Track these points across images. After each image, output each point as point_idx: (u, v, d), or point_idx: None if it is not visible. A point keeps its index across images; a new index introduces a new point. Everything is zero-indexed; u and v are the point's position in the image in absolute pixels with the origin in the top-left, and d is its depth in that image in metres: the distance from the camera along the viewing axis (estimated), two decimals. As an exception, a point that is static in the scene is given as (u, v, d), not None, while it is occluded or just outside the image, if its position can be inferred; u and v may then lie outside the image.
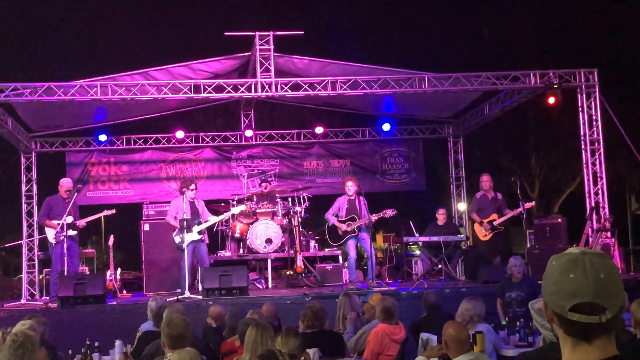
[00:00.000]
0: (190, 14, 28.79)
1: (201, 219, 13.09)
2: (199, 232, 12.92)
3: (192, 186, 13.26)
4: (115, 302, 12.67)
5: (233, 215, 14.66)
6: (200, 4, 29.63)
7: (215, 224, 14.07)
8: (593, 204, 13.99)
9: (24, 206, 16.86)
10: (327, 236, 14.02)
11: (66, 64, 23.48)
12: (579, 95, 14.33)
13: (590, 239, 13.42)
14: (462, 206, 18.79)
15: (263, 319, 7.22)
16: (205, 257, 13.23)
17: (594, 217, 13.75)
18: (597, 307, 2.02)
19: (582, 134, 14.38)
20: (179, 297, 11.78)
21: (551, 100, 13.70)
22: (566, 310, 2.04)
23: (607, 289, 2.03)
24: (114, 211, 14.10)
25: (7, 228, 23.59)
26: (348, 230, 13.54)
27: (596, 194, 14.18)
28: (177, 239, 12.84)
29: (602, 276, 2.03)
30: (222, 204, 15.68)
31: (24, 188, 16.91)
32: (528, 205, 14.04)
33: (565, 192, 28.37)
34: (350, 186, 13.80)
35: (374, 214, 13.62)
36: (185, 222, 12.53)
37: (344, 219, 13.65)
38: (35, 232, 16.22)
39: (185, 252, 12.54)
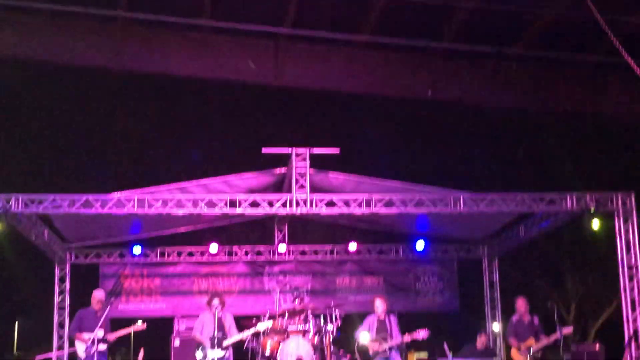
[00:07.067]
0: (225, 128, 29.14)
1: (227, 335, 12.77)
2: (222, 349, 12.60)
3: (215, 301, 12.75)
4: (142, 419, 12.46)
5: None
6: (237, 119, 30.11)
7: (245, 340, 13.74)
8: (632, 332, 13.64)
9: (56, 317, 16.84)
10: (356, 355, 13.74)
11: (103, 175, 23.76)
12: (616, 219, 14.17)
13: (630, 368, 13.04)
14: (496, 327, 18.42)
15: None
16: None
17: (633, 344, 13.38)
18: None
19: (619, 258, 14.14)
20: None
21: (595, 224, 13.62)
22: None
23: None
24: (144, 327, 13.92)
25: (37, 338, 23.51)
26: (379, 350, 13.29)
27: (635, 320, 13.83)
28: (198, 355, 12.54)
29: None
30: (254, 319, 15.44)
31: (56, 299, 16.93)
32: (565, 331, 13.71)
33: (602, 316, 27.78)
34: (379, 305, 13.58)
35: (407, 334, 13.37)
36: (215, 340, 12.32)
37: (374, 338, 13.42)
38: (65, 345, 16.09)
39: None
